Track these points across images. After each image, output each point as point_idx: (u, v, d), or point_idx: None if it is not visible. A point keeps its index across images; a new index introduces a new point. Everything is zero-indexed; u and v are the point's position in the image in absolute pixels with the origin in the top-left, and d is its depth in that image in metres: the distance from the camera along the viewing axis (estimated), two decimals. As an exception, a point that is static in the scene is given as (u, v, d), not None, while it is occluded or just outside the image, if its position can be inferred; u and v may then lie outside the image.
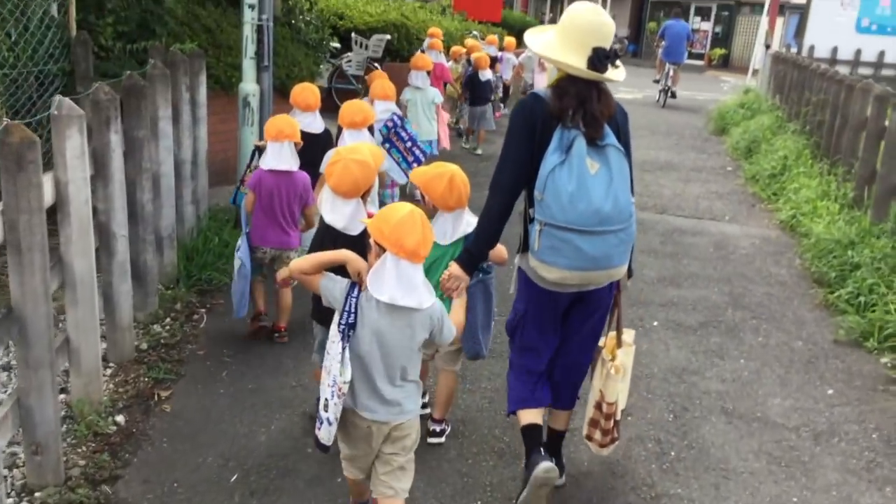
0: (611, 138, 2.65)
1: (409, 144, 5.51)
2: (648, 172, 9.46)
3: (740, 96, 16.29)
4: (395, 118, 5.53)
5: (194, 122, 5.46)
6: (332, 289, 2.38)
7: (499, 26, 16.97)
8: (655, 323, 4.99)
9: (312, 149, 4.43)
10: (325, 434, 2.42)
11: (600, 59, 2.61)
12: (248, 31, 5.86)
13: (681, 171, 9.67)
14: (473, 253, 2.85)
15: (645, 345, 4.61)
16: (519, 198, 2.80)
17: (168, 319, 4.53)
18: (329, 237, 2.89)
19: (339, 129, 4.78)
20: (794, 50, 18.32)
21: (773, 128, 10.41)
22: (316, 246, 2.99)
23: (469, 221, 3.09)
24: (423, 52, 9.05)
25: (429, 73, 7.79)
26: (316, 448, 2.52)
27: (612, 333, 3.10)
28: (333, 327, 2.37)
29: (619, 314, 3.07)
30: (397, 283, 2.28)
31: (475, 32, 14.81)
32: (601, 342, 3.09)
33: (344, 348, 2.30)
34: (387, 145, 5.41)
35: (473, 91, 9.78)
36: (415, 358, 2.46)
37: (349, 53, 11.06)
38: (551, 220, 2.58)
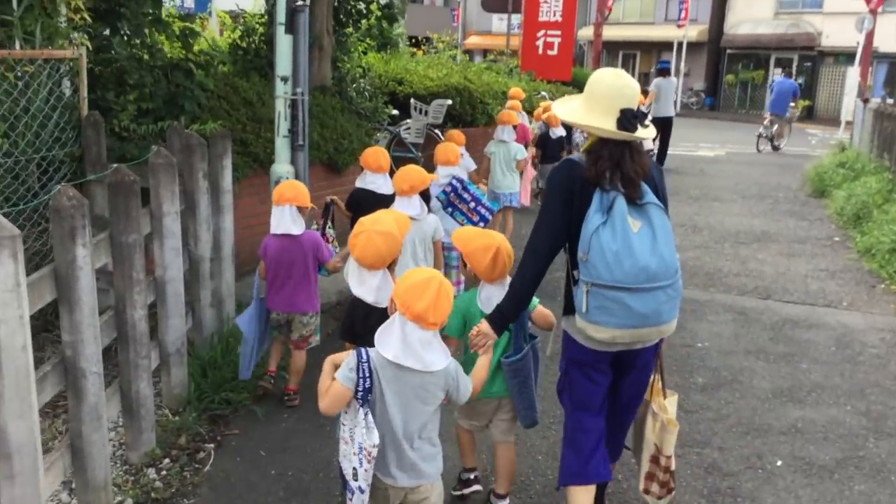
0: (650, 196, 2.70)
1: (472, 205, 5.31)
2: (744, 245, 8.35)
3: (836, 153, 15.01)
4: (455, 182, 5.30)
5: (217, 212, 4.73)
6: (346, 372, 2.38)
7: (569, 85, 16.16)
8: (779, 462, 3.90)
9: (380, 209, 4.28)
10: (359, 502, 2.41)
11: (629, 119, 2.67)
12: (281, 107, 5.14)
13: (781, 242, 8.52)
14: (504, 313, 2.89)
15: (769, 499, 3.54)
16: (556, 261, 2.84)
17: (167, 460, 3.69)
18: (360, 311, 2.96)
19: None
20: (889, 101, 16.97)
21: (883, 192, 9.18)
22: (347, 319, 3.14)
23: None
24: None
25: (515, 127, 7.77)
26: None
27: (651, 383, 3.08)
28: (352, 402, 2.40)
29: (662, 365, 3.10)
30: (401, 343, 2.34)
31: (543, 93, 14.02)
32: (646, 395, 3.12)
33: (366, 413, 2.35)
34: (450, 210, 5.28)
35: (545, 149, 9.37)
36: (433, 419, 2.49)
37: (408, 120, 10.36)
38: (598, 280, 2.61)
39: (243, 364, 4.26)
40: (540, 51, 16.75)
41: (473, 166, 7.27)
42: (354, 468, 2.38)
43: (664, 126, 13.47)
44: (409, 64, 11.98)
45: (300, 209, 4.14)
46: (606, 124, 2.70)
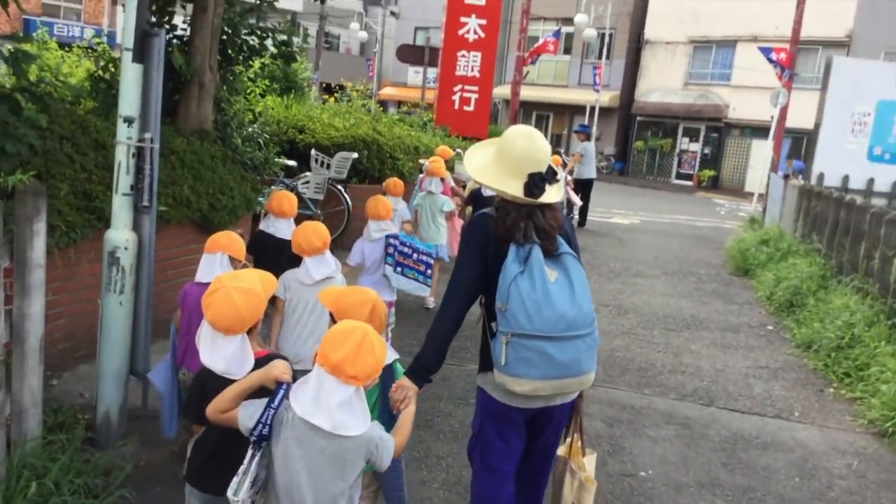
0: (564, 247, 2.75)
1: (415, 256, 5.34)
2: (674, 333, 7.50)
3: (749, 226, 14.68)
4: (391, 241, 5.31)
5: (22, 294, 3.49)
6: (252, 412, 2.21)
7: (484, 143, 15.43)
8: None
9: (280, 255, 4.24)
10: None
11: (536, 184, 2.73)
12: (123, 156, 3.92)
13: (713, 330, 7.72)
14: (423, 363, 2.78)
15: None
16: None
17: None
18: (210, 383, 2.46)
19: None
20: (801, 178, 16.95)
21: (816, 277, 8.56)
22: (192, 396, 2.61)
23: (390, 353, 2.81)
24: (421, 173, 8.39)
25: (442, 180, 7.70)
26: None
27: (570, 441, 3.06)
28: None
29: (581, 420, 3.06)
30: (313, 398, 2.16)
31: (459, 150, 13.13)
32: (560, 451, 3.08)
33: (252, 457, 2.20)
34: (399, 269, 5.29)
35: (475, 206, 8.15)
36: (352, 494, 2.27)
37: (308, 174, 9.23)
38: (518, 330, 2.61)
39: (164, 422, 3.69)
40: (456, 105, 15.96)
41: (409, 216, 7.20)
42: None
43: (585, 188, 14.14)
44: (312, 111, 10.87)
45: (232, 260, 3.63)
46: (513, 189, 2.74)
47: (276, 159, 7.57)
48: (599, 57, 30.80)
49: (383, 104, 32.63)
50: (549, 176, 2.75)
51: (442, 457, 4.38)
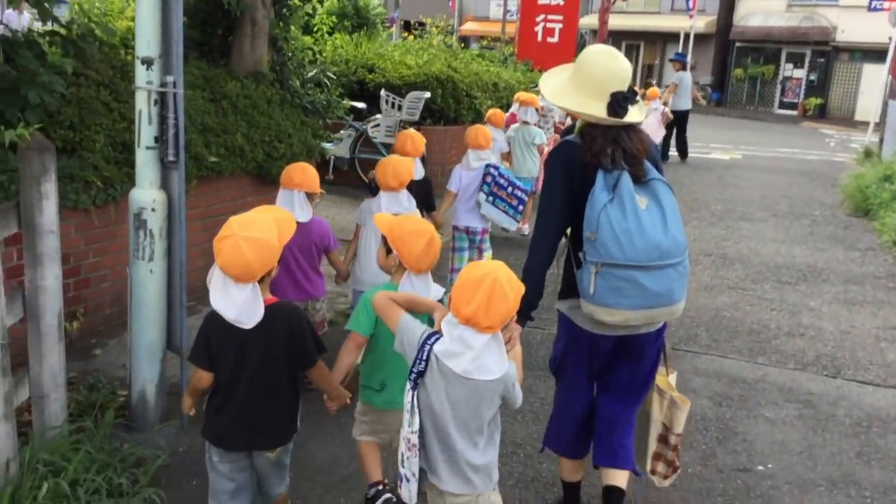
0: (654, 173, 2.65)
1: (510, 189, 5.32)
2: (789, 286, 6.62)
3: (862, 159, 13.32)
4: (492, 170, 5.28)
5: (34, 264, 3.04)
6: (411, 331, 2.33)
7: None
8: None
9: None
10: (407, 493, 2.35)
11: (620, 104, 2.61)
12: (143, 104, 3.37)
13: (833, 283, 6.80)
14: (523, 301, 2.37)
15: None
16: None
17: None
18: (217, 328, 2.43)
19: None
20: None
21: (955, 218, 7.47)
22: (201, 337, 2.51)
23: (433, 287, 2.73)
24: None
25: (538, 110, 7.74)
26: None
27: (660, 368, 2.99)
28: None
29: (664, 342, 2.93)
30: (450, 345, 2.21)
31: (542, 86, 12.26)
32: None
33: (414, 396, 2.25)
34: (490, 199, 5.28)
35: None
36: (492, 426, 2.34)
37: (378, 116, 8.61)
38: (609, 260, 2.53)
39: None
40: (539, 37, 14.97)
41: (506, 148, 7.37)
42: (402, 453, 2.33)
43: (681, 120, 13.39)
44: (383, 49, 10.19)
45: (309, 195, 3.78)
46: (596, 110, 2.64)
47: (342, 101, 6.96)
48: (694, -20, 28.76)
49: (465, 40, 31.57)
50: (631, 95, 2.64)
51: (519, 444, 3.77)
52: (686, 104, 13.51)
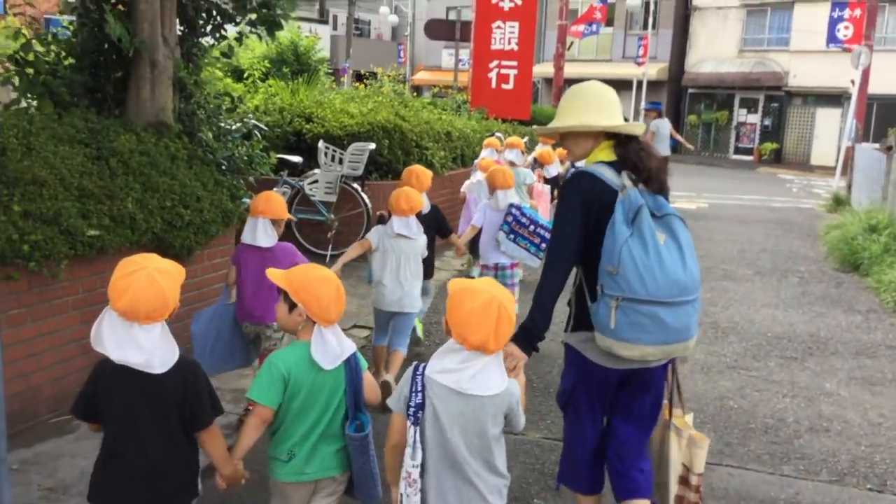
0: (669, 207, 2.67)
1: (531, 228, 5.29)
2: (796, 363, 5.68)
3: (845, 212, 12.67)
4: (513, 210, 5.29)
5: None
6: (396, 395, 2.33)
7: (528, 125, 13.61)
8: None
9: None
10: None
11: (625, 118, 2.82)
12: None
13: (843, 356, 5.87)
14: (532, 329, 2.70)
15: None
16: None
17: None
18: (108, 377, 2.21)
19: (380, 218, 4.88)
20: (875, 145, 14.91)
21: (966, 275, 6.65)
22: (88, 388, 2.28)
23: (345, 340, 2.51)
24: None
25: (522, 152, 7.88)
26: None
27: (665, 404, 2.95)
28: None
29: (678, 382, 2.96)
30: (453, 368, 2.21)
31: (498, 134, 11.37)
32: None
33: (416, 432, 2.23)
34: (512, 237, 5.29)
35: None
36: (498, 446, 2.31)
37: (316, 171, 7.57)
38: (630, 294, 2.53)
39: (204, 363, 3.14)
40: (493, 84, 14.19)
41: (532, 179, 7.44)
42: (401, 494, 2.28)
43: None
44: (323, 96, 9.21)
45: (274, 222, 3.94)
46: (620, 120, 2.78)
47: (267, 156, 5.90)
48: (644, 27, 28.67)
49: (418, 90, 30.99)
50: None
51: None
52: (665, 150, 13.13)
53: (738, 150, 30.80)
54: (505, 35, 14.21)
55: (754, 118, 30.69)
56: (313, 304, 2.40)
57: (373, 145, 7.54)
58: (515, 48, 14.17)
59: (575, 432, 2.94)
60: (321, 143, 7.42)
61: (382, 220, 4.74)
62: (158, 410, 2.23)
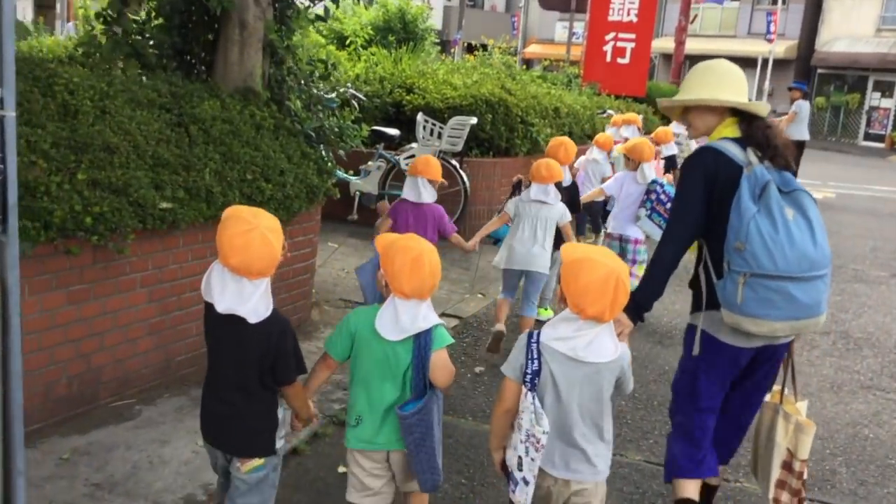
0: (796, 183, 2.65)
1: (668, 205, 5.17)
2: (941, 386, 4.95)
3: None
4: (657, 187, 5.34)
5: None
6: (511, 361, 2.36)
7: (642, 102, 12.84)
8: None
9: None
10: (522, 496, 2.32)
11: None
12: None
13: None
14: (640, 302, 2.78)
15: None
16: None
17: None
18: (223, 328, 2.32)
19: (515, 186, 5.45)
20: None
21: None
22: (211, 336, 2.45)
23: (427, 316, 2.41)
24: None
25: (639, 129, 7.84)
26: None
27: (777, 388, 2.96)
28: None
29: (793, 364, 2.92)
30: (570, 336, 2.25)
31: (610, 111, 10.73)
32: (767, 398, 2.98)
33: (534, 397, 2.27)
34: (649, 213, 5.31)
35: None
36: (607, 412, 2.36)
37: (413, 145, 7.20)
38: (759, 270, 2.51)
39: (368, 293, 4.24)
40: (608, 57, 13.46)
41: (608, 172, 7.04)
42: (520, 457, 2.31)
43: (798, 150, 12.43)
44: (427, 66, 8.81)
45: (430, 181, 4.41)
46: (745, 98, 2.80)
47: (359, 128, 5.55)
48: (773, 2, 26.92)
49: (528, 63, 30.23)
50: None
51: None
52: (805, 134, 12.70)
53: (868, 137, 28.71)
54: (624, 5, 13.43)
55: (889, 103, 28.49)
56: (388, 270, 2.38)
57: (474, 120, 7.10)
58: (634, 20, 13.38)
59: (693, 417, 2.89)
60: (420, 116, 7.04)
61: (517, 189, 5.23)
62: (242, 357, 2.32)
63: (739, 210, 2.54)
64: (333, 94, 6.80)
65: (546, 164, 4.63)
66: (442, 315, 5.51)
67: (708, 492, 3.01)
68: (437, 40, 13.82)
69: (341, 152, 5.36)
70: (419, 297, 2.38)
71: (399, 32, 10.74)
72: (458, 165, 7.18)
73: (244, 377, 2.34)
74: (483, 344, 5.09)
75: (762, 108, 2.77)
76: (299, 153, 4.73)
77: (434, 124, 7.07)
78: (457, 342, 4.86)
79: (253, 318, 2.26)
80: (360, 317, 2.46)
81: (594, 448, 2.33)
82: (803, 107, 12.81)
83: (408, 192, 4.42)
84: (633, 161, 5.55)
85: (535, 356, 2.27)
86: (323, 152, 5.10)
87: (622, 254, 5.44)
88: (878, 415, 4.45)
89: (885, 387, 4.87)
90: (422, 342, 2.37)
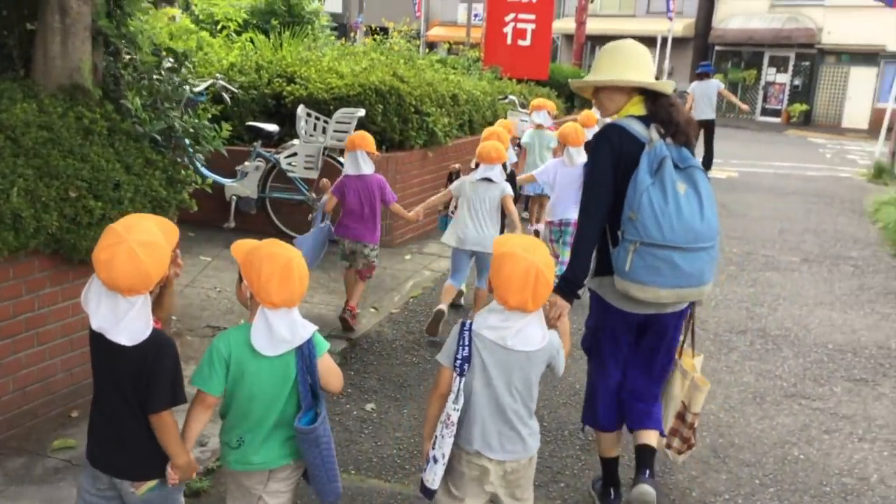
0: (692, 160, 2.81)
1: None
2: (868, 388, 4.60)
3: (888, 182, 11.50)
4: None
5: None
6: (445, 350, 2.46)
7: (545, 86, 12.40)
8: None
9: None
10: (431, 475, 2.41)
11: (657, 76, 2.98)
12: None
13: (927, 377, 4.81)
14: (571, 279, 2.92)
15: None
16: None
17: None
18: (103, 350, 2.17)
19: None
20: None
21: None
22: (92, 354, 2.27)
23: (304, 324, 2.30)
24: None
25: (550, 113, 7.65)
26: (420, 493, 2.48)
27: (687, 349, 3.16)
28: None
29: (693, 326, 3.12)
30: (498, 326, 2.36)
31: (512, 97, 10.23)
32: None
33: (459, 381, 2.37)
34: None
35: None
36: (534, 394, 2.47)
37: (294, 142, 6.49)
38: (648, 240, 2.69)
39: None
40: (509, 40, 12.93)
41: (514, 158, 6.97)
42: (436, 436, 2.41)
43: (704, 129, 12.80)
44: (311, 53, 8.08)
45: (369, 153, 4.87)
46: (648, 77, 2.91)
47: (215, 127, 4.79)
48: (672, -20, 27.04)
49: (431, 46, 29.60)
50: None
51: None
52: (705, 114, 13.03)
53: (765, 112, 29.38)
54: (522, -15, 12.92)
55: (783, 78, 29.21)
56: (254, 280, 2.22)
57: (362, 112, 6.43)
58: (534, 0, 12.90)
59: (597, 374, 3.13)
60: (300, 109, 6.32)
61: (452, 178, 5.46)
62: (120, 378, 2.18)
63: (636, 183, 2.70)
64: (201, 87, 6.05)
65: (495, 147, 4.83)
66: (327, 337, 4.87)
67: (646, 451, 3.02)
68: (334, 24, 13.00)
69: (200, 156, 4.61)
70: (289, 306, 2.25)
71: (283, 16, 9.92)
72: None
73: (128, 399, 2.19)
74: (375, 371, 4.50)
75: (667, 86, 2.88)
76: (142, 161, 3.98)
77: (318, 118, 6.38)
78: (343, 368, 4.25)
79: (126, 340, 2.11)
80: (229, 339, 2.27)
81: (527, 428, 2.45)
82: (696, 88, 13.20)
83: (349, 167, 4.86)
84: (560, 146, 5.69)
85: (466, 343, 2.38)
86: (179, 158, 4.37)
87: (565, 239, 5.57)
88: (806, 429, 4.06)
89: (810, 394, 4.50)
90: (305, 352, 2.28)
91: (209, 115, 4.39)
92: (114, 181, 3.73)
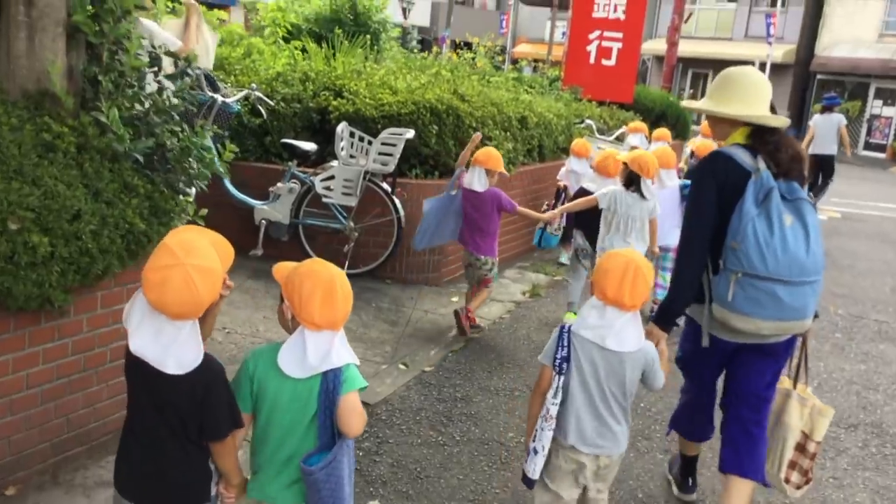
0: (800, 192, 2.76)
1: None
2: None
3: None
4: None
5: None
6: (546, 350, 2.64)
7: (629, 110, 11.42)
8: None
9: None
10: (531, 466, 2.60)
11: (774, 109, 2.97)
12: None
13: None
14: (669, 311, 2.95)
15: None
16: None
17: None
18: (146, 377, 2.03)
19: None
20: None
21: None
22: (128, 378, 2.15)
23: (339, 352, 2.15)
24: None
25: (646, 137, 7.66)
26: (523, 483, 2.66)
27: (795, 375, 3.09)
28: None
29: (807, 355, 3.08)
30: (597, 324, 2.51)
31: (589, 122, 9.30)
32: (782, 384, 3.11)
33: (559, 379, 2.54)
34: None
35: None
36: (629, 395, 2.59)
37: (333, 164, 5.74)
38: (751, 271, 2.66)
39: (417, 236, 5.13)
40: (592, 58, 12.00)
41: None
42: (537, 430, 2.58)
43: (825, 164, 12.45)
44: (367, 65, 7.36)
45: (488, 172, 4.93)
46: (764, 111, 2.86)
47: (214, 148, 4.08)
48: (773, 4, 25.65)
49: (515, 63, 28.86)
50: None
51: None
52: (823, 149, 12.41)
53: (868, 146, 27.53)
54: (610, 1, 12.00)
55: (891, 111, 27.31)
56: (294, 299, 2.11)
57: (411, 133, 5.65)
58: (622, 17, 11.93)
59: (692, 392, 3.25)
60: (341, 127, 5.57)
61: (559, 196, 5.93)
62: (165, 410, 2.05)
63: (741, 212, 2.67)
64: (234, 98, 5.43)
65: (650, 159, 4.93)
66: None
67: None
68: (420, 37, 12.39)
69: (202, 183, 3.89)
70: (332, 328, 2.13)
71: (349, 24, 9.29)
72: (389, 189, 5.73)
73: (174, 428, 2.08)
74: (388, 452, 3.68)
75: (776, 121, 2.83)
76: (117, 186, 3.27)
77: (361, 138, 5.63)
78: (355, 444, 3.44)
79: (174, 369, 1.98)
80: (258, 355, 2.22)
81: (620, 427, 2.59)
82: (818, 121, 12.55)
83: (468, 180, 4.97)
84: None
85: (566, 344, 2.55)
86: (177, 182, 3.67)
87: (663, 264, 5.53)
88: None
89: (946, 528, 3.47)
90: (329, 383, 2.13)
91: (210, 133, 3.68)
92: (72, 210, 3.03)
